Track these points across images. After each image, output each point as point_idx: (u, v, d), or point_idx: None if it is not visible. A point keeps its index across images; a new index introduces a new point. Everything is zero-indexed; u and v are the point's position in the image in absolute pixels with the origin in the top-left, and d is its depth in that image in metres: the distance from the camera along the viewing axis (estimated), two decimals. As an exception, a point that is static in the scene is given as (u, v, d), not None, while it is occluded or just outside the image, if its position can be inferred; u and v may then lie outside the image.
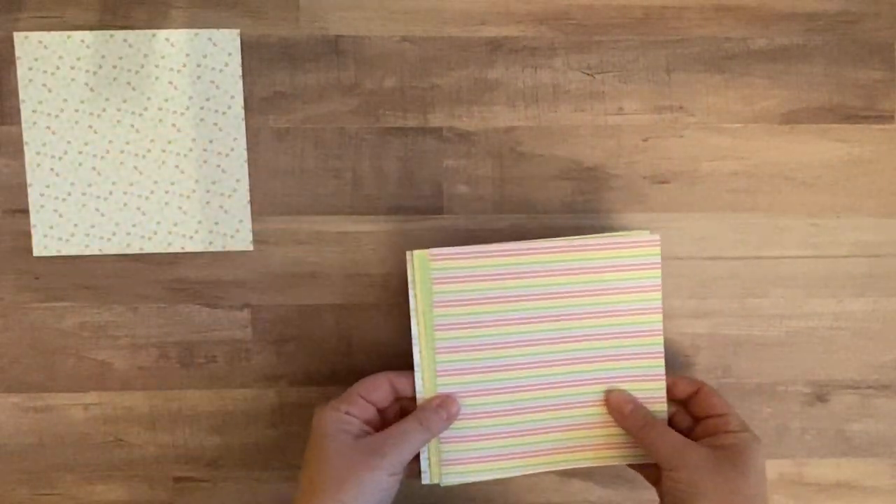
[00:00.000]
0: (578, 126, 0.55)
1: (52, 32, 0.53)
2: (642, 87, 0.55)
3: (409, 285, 0.50)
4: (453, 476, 0.50)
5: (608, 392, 0.50)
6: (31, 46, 0.52)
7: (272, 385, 0.55)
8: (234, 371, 0.55)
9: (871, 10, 0.55)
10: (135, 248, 0.54)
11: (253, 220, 0.54)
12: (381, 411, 0.49)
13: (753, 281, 0.55)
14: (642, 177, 0.55)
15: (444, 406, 0.49)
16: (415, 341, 0.50)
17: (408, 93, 0.54)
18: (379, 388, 0.49)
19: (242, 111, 0.54)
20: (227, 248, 0.54)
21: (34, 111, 0.53)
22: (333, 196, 0.54)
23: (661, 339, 0.51)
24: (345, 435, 0.46)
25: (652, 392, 0.51)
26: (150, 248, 0.54)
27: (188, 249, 0.54)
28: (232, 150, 0.54)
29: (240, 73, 0.53)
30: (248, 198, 0.54)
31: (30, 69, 0.53)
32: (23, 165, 0.53)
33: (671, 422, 0.51)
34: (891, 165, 0.56)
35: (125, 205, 0.53)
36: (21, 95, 0.53)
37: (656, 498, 0.55)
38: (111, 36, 0.53)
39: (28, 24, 0.53)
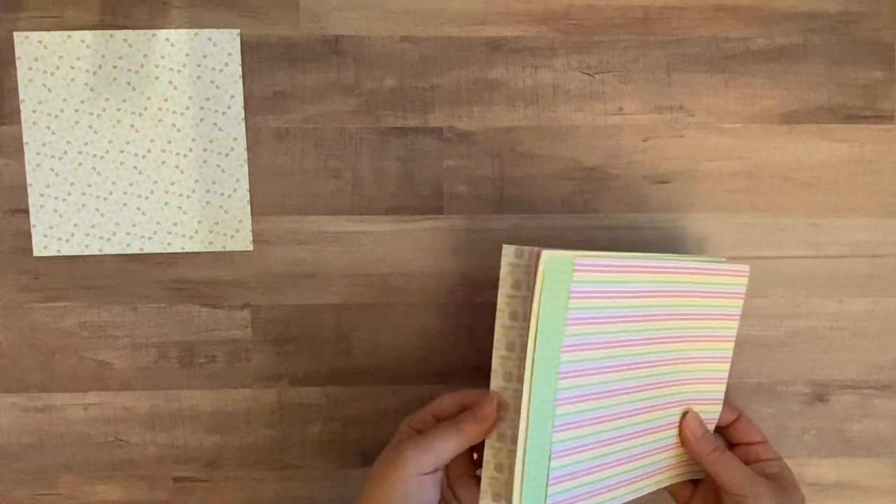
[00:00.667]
0: (578, 126, 0.55)
1: (52, 32, 0.53)
2: (642, 87, 0.55)
3: (536, 292, 0.41)
4: None
5: (686, 414, 0.50)
6: (31, 46, 0.52)
7: (272, 385, 0.55)
8: (234, 371, 0.55)
9: (871, 10, 0.55)
10: (135, 248, 0.54)
11: (253, 220, 0.54)
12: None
13: (753, 281, 0.55)
14: (642, 177, 0.55)
15: (481, 418, 0.43)
16: (529, 356, 0.41)
17: (408, 93, 0.54)
18: (447, 409, 0.47)
19: (242, 111, 0.54)
20: (227, 248, 0.54)
21: (34, 111, 0.53)
22: (333, 196, 0.54)
23: (727, 368, 0.51)
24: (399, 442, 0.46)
25: (708, 415, 0.51)
26: (150, 248, 0.54)
27: (188, 249, 0.54)
28: (232, 150, 0.54)
29: (240, 73, 0.53)
30: (248, 198, 0.54)
31: (30, 69, 0.53)
32: (23, 165, 0.53)
33: None
34: (891, 165, 0.56)
35: (125, 205, 0.53)
36: (21, 95, 0.53)
37: (656, 498, 0.55)
38: (111, 36, 0.53)
39: (28, 24, 0.53)
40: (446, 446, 0.43)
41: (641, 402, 0.47)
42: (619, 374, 0.45)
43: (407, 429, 0.47)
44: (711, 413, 0.51)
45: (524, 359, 0.42)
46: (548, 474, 0.42)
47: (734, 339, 0.51)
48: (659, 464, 0.50)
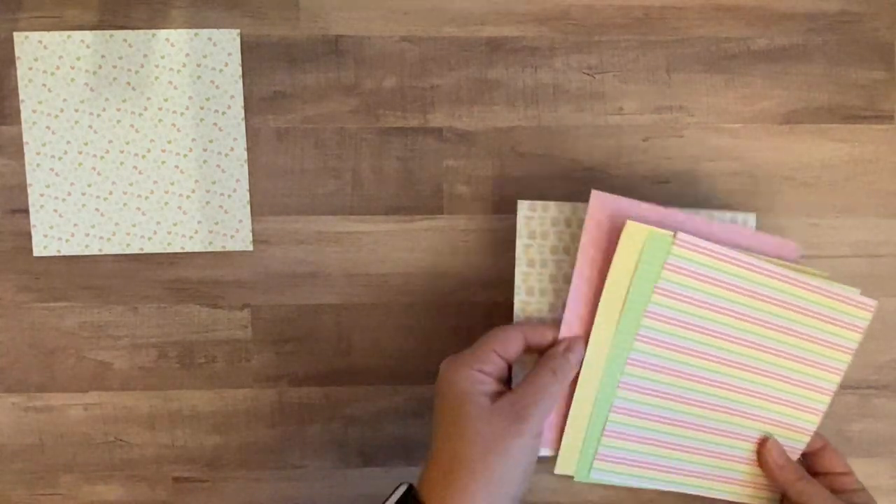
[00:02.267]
0: (578, 126, 0.55)
1: (52, 32, 0.53)
2: (642, 87, 0.55)
3: (617, 257, 0.44)
4: (604, 473, 0.47)
5: (766, 439, 0.49)
6: (31, 46, 0.52)
7: (272, 385, 0.55)
8: (234, 371, 0.55)
9: (871, 10, 0.55)
10: (135, 248, 0.54)
11: (253, 220, 0.54)
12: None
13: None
14: (642, 177, 0.55)
15: (572, 350, 0.44)
16: (602, 309, 0.45)
17: (408, 93, 0.54)
18: (513, 342, 0.44)
19: (242, 111, 0.54)
20: (227, 248, 0.54)
21: (34, 111, 0.53)
22: (333, 196, 0.54)
23: (827, 400, 0.49)
24: (482, 397, 0.41)
25: (793, 443, 0.50)
26: (150, 248, 0.54)
27: (188, 249, 0.54)
28: (232, 150, 0.54)
29: (240, 73, 0.53)
30: (248, 198, 0.54)
31: (30, 69, 0.53)
32: (23, 165, 0.53)
33: None
34: (891, 165, 0.56)
35: (125, 205, 0.53)
36: (21, 95, 0.53)
37: (656, 498, 0.55)
38: (111, 36, 0.53)
39: (28, 24, 0.53)
40: (555, 395, 0.44)
41: (717, 400, 0.48)
42: (695, 360, 0.47)
43: (471, 373, 0.42)
44: (796, 442, 0.50)
45: (543, 302, 0.48)
46: (604, 426, 0.47)
47: (842, 372, 0.49)
48: (727, 472, 0.49)
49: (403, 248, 0.55)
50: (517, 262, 0.49)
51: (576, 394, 0.46)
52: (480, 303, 0.55)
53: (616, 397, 0.47)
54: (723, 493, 0.50)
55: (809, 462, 0.50)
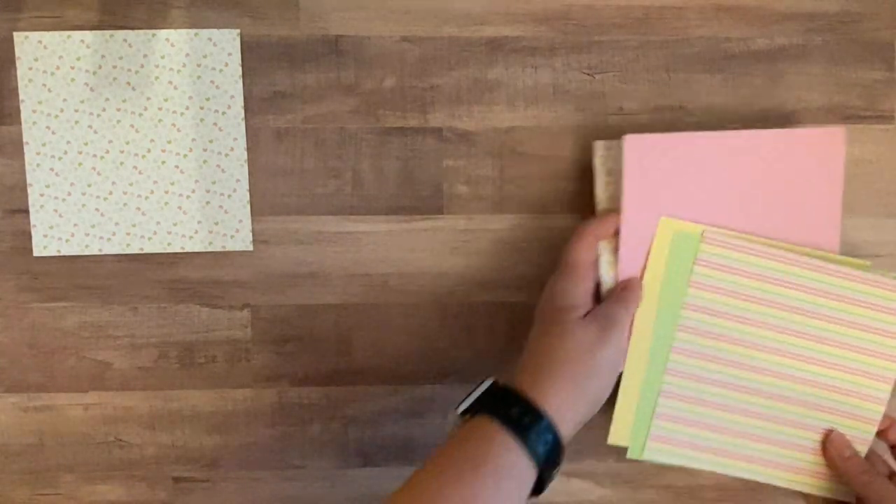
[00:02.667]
0: (578, 126, 0.55)
1: (52, 32, 0.53)
2: (642, 87, 0.55)
3: (655, 253, 0.49)
4: (657, 453, 0.50)
5: (830, 432, 0.50)
6: (31, 46, 0.52)
7: (272, 385, 0.55)
8: (234, 371, 0.55)
9: (871, 10, 0.55)
10: (135, 248, 0.54)
11: (253, 220, 0.54)
12: None
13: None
14: (642, 177, 0.55)
15: (630, 287, 0.49)
16: (653, 304, 0.49)
17: (408, 93, 0.54)
18: (593, 248, 0.49)
19: (242, 111, 0.54)
20: (227, 248, 0.54)
21: (34, 111, 0.53)
22: (333, 196, 0.54)
23: (889, 387, 0.50)
24: (578, 312, 0.46)
25: (860, 433, 0.50)
26: (150, 248, 0.54)
27: (188, 249, 0.54)
28: (232, 150, 0.54)
29: (240, 73, 0.53)
30: (248, 198, 0.54)
31: (30, 69, 0.53)
32: (23, 165, 0.53)
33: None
34: (891, 165, 0.56)
35: (125, 205, 0.53)
36: (21, 95, 0.53)
37: (656, 498, 0.55)
38: (111, 36, 0.53)
39: (28, 24, 0.53)
40: (628, 323, 0.48)
41: (772, 388, 0.50)
42: (740, 349, 0.50)
43: (575, 290, 0.47)
44: (864, 433, 0.50)
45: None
46: (654, 409, 0.49)
47: None
48: (790, 461, 0.50)
49: (403, 248, 0.55)
50: (597, 202, 0.51)
51: (623, 376, 0.49)
52: (480, 303, 0.55)
53: (665, 383, 0.49)
54: (786, 482, 0.51)
55: (881, 439, 0.51)
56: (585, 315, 0.46)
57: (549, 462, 0.42)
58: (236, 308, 0.55)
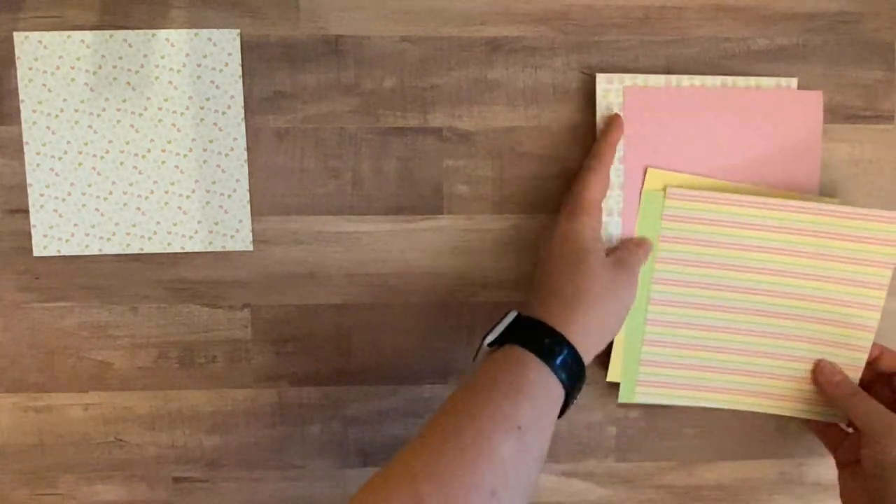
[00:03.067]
0: (578, 126, 0.55)
1: (52, 32, 0.53)
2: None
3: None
4: (647, 396, 0.54)
5: (819, 361, 0.53)
6: (31, 46, 0.52)
7: (272, 385, 0.55)
8: (234, 371, 0.55)
9: (871, 10, 0.55)
10: (135, 248, 0.54)
11: (253, 220, 0.54)
12: None
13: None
14: (642, 177, 0.55)
15: (645, 245, 0.52)
16: None
17: (408, 93, 0.54)
18: (606, 184, 0.51)
19: (242, 111, 0.54)
20: (227, 248, 0.54)
21: (34, 111, 0.53)
22: (333, 196, 0.54)
23: (878, 315, 0.52)
24: (601, 251, 0.48)
25: (851, 361, 0.52)
26: (150, 248, 0.54)
27: (188, 249, 0.54)
28: (232, 150, 0.54)
29: (240, 73, 0.53)
30: (248, 198, 0.54)
31: (30, 69, 0.53)
32: (23, 165, 0.53)
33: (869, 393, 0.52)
34: (891, 165, 0.56)
35: (125, 205, 0.53)
36: (21, 95, 0.53)
37: (656, 498, 0.55)
38: (111, 36, 0.53)
39: (28, 24, 0.53)
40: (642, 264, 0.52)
41: (756, 325, 0.52)
42: (715, 293, 0.52)
43: (591, 226, 0.50)
44: (855, 360, 0.53)
45: (619, 169, 0.53)
46: (639, 357, 0.53)
47: (886, 287, 0.52)
48: (777, 389, 0.53)
49: (403, 248, 0.55)
50: (598, 132, 0.53)
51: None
52: (480, 303, 0.55)
53: (647, 333, 0.53)
54: (772, 409, 0.53)
55: (873, 368, 0.53)
56: (607, 256, 0.49)
57: (573, 387, 0.45)
58: (236, 308, 0.55)
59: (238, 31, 0.53)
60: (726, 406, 0.53)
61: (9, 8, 0.53)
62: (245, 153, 0.54)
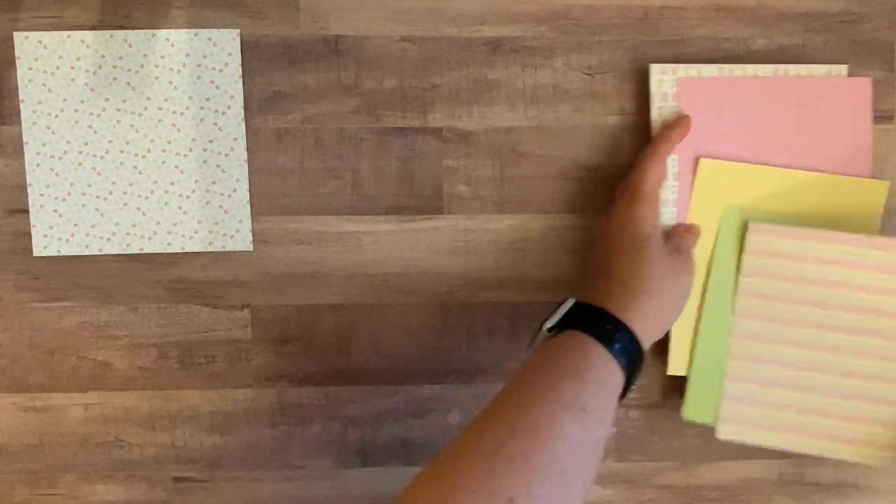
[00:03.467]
0: (578, 126, 0.55)
1: (52, 32, 0.53)
2: (642, 87, 0.55)
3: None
4: (732, 434, 0.53)
5: None
6: (31, 46, 0.52)
7: (272, 385, 0.55)
8: (234, 371, 0.55)
9: (871, 10, 0.55)
10: (135, 248, 0.54)
11: (253, 220, 0.54)
12: None
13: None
14: (642, 177, 0.55)
15: (694, 231, 0.53)
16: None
17: (408, 93, 0.54)
18: (664, 172, 0.51)
19: (242, 111, 0.54)
20: (227, 248, 0.54)
21: (34, 111, 0.53)
22: (333, 196, 0.54)
23: None
24: (661, 240, 0.49)
25: None
26: (150, 248, 0.54)
27: (188, 249, 0.54)
28: (232, 150, 0.54)
29: (240, 73, 0.53)
30: (248, 198, 0.54)
31: (30, 69, 0.53)
32: (23, 165, 0.53)
33: None
34: (891, 165, 0.55)
35: (125, 205, 0.53)
36: (21, 95, 0.53)
37: (656, 498, 0.55)
38: (111, 36, 0.53)
39: (28, 24, 0.53)
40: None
41: (840, 364, 0.51)
42: (800, 329, 0.52)
43: (649, 215, 0.50)
44: None
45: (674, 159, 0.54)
46: (722, 391, 0.53)
47: None
48: (870, 436, 0.51)
49: (403, 248, 0.55)
50: (653, 127, 0.53)
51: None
52: (480, 303, 0.55)
53: (729, 367, 0.52)
54: (868, 458, 0.51)
55: None
56: (665, 243, 0.50)
57: (633, 373, 0.45)
58: (236, 308, 0.55)
59: (238, 31, 0.53)
60: (815, 452, 0.52)
61: (9, 8, 0.53)
62: (245, 153, 0.54)
